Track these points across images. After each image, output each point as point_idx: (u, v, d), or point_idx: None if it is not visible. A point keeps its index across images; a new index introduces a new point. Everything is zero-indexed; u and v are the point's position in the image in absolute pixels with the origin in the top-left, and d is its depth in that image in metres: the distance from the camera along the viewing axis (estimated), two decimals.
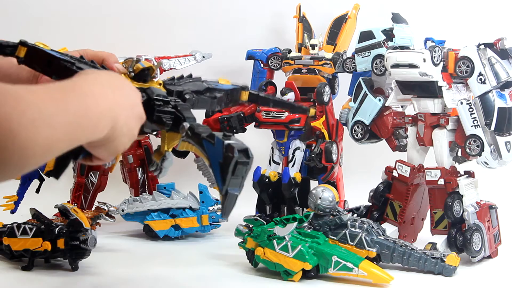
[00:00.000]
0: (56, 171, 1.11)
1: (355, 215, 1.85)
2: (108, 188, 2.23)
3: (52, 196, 2.09)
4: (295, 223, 1.65)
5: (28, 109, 0.80)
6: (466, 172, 1.86)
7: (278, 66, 2.13)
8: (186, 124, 1.15)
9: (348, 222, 1.71)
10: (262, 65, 2.16)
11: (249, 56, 2.19)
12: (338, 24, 2.15)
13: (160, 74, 2.23)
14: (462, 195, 1.78)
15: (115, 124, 0.97)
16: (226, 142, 1.07)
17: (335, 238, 1.70)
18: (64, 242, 1.66)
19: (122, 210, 2.04)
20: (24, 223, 1.74)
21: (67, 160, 1.09)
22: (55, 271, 1.70)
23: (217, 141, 1.09)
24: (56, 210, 1.82)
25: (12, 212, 2.07)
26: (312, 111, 1.40)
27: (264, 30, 2.52)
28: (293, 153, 2.03)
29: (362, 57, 1.99)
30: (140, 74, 1.21)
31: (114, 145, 1.01)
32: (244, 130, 2.09)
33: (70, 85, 0.93)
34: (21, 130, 0.78)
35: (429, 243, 1.79)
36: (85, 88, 0.94)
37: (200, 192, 2.01)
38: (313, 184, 2.02)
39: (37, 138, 0.80)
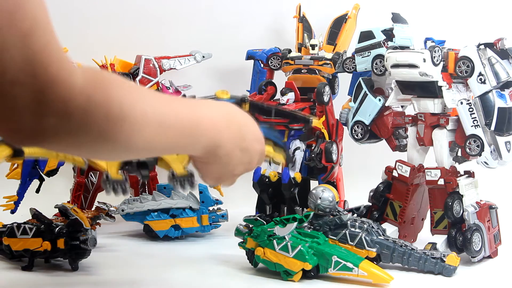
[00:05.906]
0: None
1: (355, 215, 1.85)
2: None
3: (52, 196, 2.09)
4: (295, 223, 1.65)
5: (142, 100, 0.76)
6: (466, 172, 1.86)
7: (278, 66, 2.13)
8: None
9: (348, 222, 1.70)
10: (262, 65, 2.16)
11: (249, 56, 2.18)
12: (338, 24, 2.15)
13: (160, 74, 2.22)
14: (462, 195, 1.78)
15: (216, 148, 0.92)
16: None
17: (335, 238, 1.70)
18: (64, 242, 1.66)
19: (122, 210, 2.04)
20: (24, 223, 1.74)
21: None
22: (55, 271, 1.70)
23: None
24: (56, 210, 1.82)
25: (12, 212, 2.06)
26: (315, 122, 1.36)
27: (264, 30, 2.52)
28: (293, 153, 2.02)
29: (362, 57, 1.99)
30: None
31: (216, 168, 0.97)
32: None
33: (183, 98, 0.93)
34: (131, 118, 0.74)
35: (429, 243, 1.79)
36: (198, 104, 0.90)
37: (200, 192, 2.00)
38: (313, 184, 2.02)
39: (143, 131, 0.76)
